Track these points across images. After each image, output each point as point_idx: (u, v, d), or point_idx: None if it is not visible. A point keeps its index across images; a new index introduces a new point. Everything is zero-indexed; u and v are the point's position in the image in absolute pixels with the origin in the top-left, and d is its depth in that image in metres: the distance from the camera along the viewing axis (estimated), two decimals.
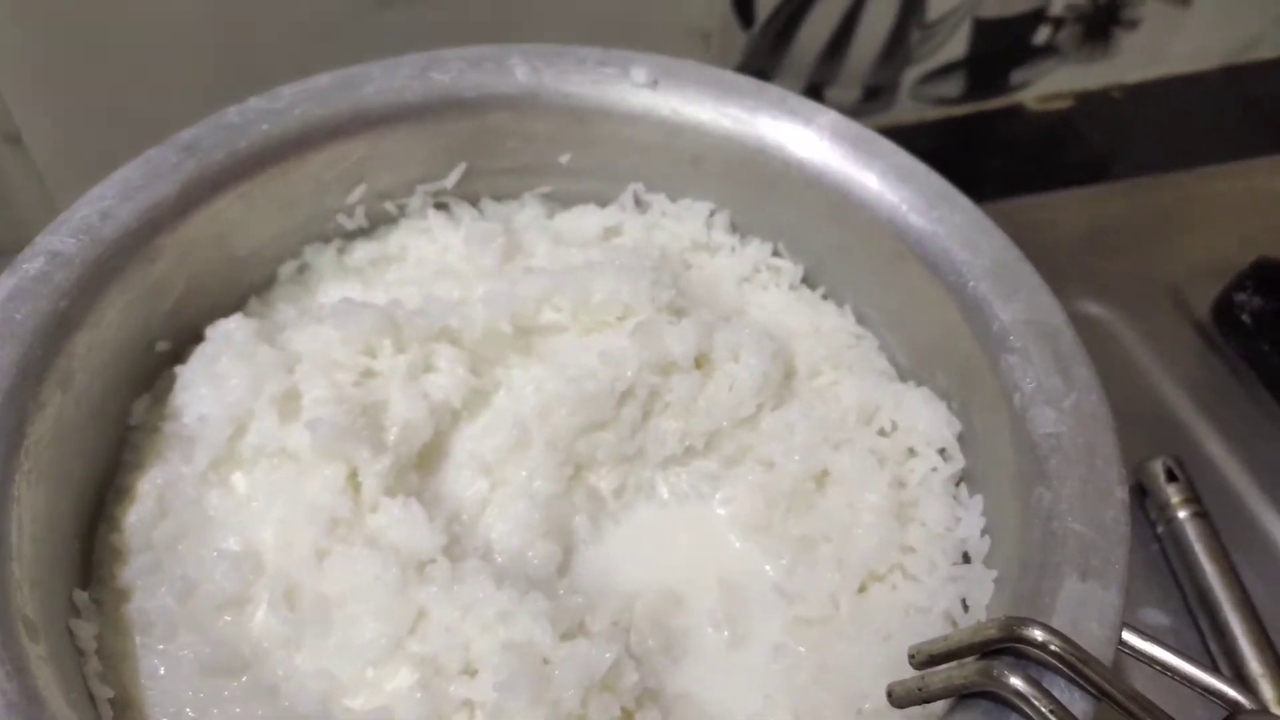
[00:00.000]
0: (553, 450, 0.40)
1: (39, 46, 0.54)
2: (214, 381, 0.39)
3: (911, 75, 0.75)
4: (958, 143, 0.78)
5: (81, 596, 0.35)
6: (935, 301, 0.42)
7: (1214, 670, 0.30)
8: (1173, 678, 0.31)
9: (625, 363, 0.41)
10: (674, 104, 0.47)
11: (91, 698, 0.32)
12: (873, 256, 0.45)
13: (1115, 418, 0.36)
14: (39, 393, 0.35)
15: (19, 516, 0.32)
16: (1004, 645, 0.30)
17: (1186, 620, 0.48)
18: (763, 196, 0.48)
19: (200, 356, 0.41)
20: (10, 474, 0.32)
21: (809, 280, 0.49)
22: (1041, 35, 0.76)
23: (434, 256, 0.48)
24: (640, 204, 0.50)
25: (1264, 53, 0.81)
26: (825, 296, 0.48)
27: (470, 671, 0.34)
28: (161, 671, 0.34)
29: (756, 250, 0.49)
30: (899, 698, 0.31)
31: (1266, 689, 0.44)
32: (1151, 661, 0.31)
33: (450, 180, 0.49)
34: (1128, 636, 0.31)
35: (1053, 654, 0.29)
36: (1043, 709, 0.28)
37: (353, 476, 0.38)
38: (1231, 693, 0.30)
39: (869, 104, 0.76)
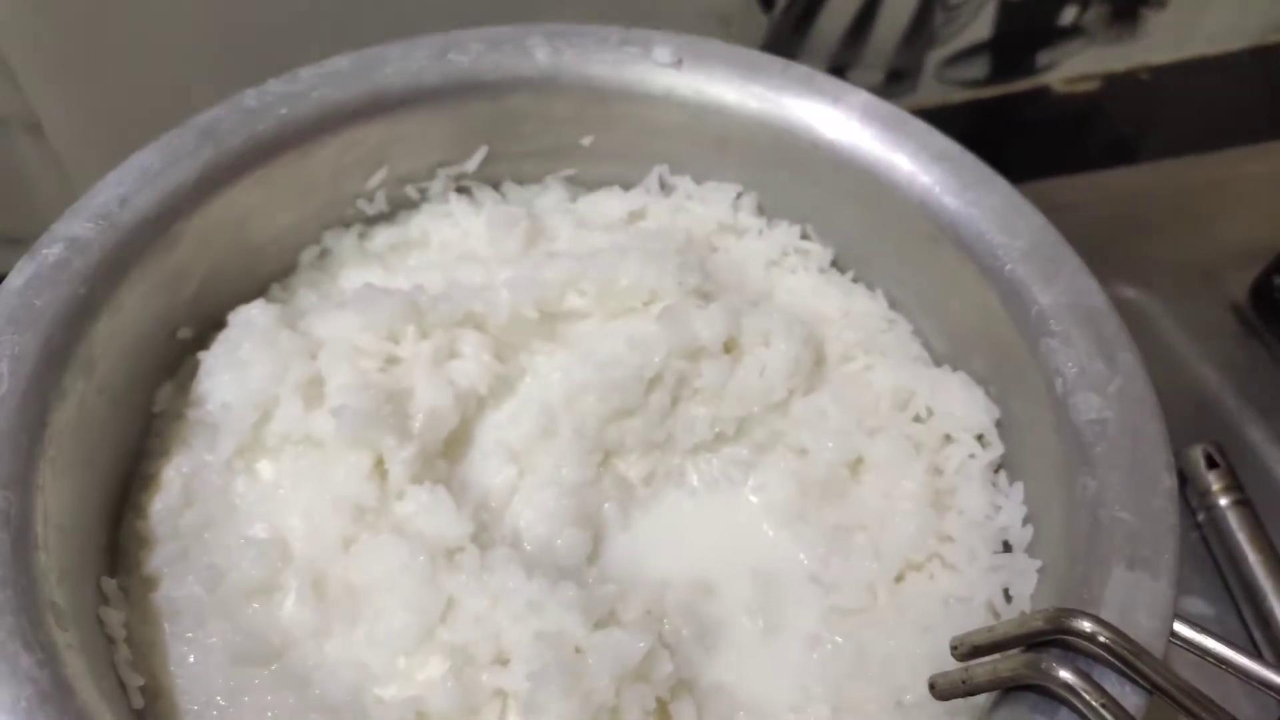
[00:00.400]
0: (580, 437, 0.39)
1: (57, 35, 0.53)
2: (237, 368, 0.39)
3: (935, 58, 0.74)
4: (983, 126, 0.77)
5: (110, 584, 0.34)
6: (971, 285, 0.41)
7: (1273, 664, 0.29)
8: (1227, 670, 0.30)
9: (653, 348, 0.40)
10: (698, 84, 0.46)
11: (122, 686, 0.32)
12: (905, 239, 0.44)
13: None
14: (61, 380, 0.34)
15: (44, 505, 0.32)
16: (1051, 637, 0.29)
17: (1229, 609, 0.47)
18: (791, 178, 0.47)
19: (223, 343, 0.40)
20: (35, 462, 0.32)
21: (839, 263, 0.48)
22: (1068, 16, 0.74)
23: (456, 241, 0.47)
24: (665, 187, 0.49)
25: None
26: (855, 280, 0.47)
27: (502, 661, 0.33)
28: (191, 659, 0.33)
29: (785, 233, 0.48)
30: (942, 690, 0.31)
31: None
32: (1204, 654, 0.30)
33: (471, 164, 0.48)
34: (1178, 627, 0.30)
35: (1103, 646, 0.28)
36: (1094, 703, 0.27)
37: (379, 464, 0.37)
38: None
39: (892, 87, 0.74)
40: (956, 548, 0.37)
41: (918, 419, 0.41)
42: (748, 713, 0.35)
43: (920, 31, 0.71)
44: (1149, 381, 0.36)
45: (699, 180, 0.49)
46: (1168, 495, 0.33)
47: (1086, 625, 0.28)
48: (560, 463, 0.39)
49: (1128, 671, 0.28)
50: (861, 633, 0.36)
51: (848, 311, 0.45)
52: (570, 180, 0.50)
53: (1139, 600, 0.30)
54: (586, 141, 0.48)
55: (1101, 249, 0.41)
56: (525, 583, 0.34)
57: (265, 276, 0.45)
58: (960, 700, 0.31)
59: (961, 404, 0.40)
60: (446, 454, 0.40)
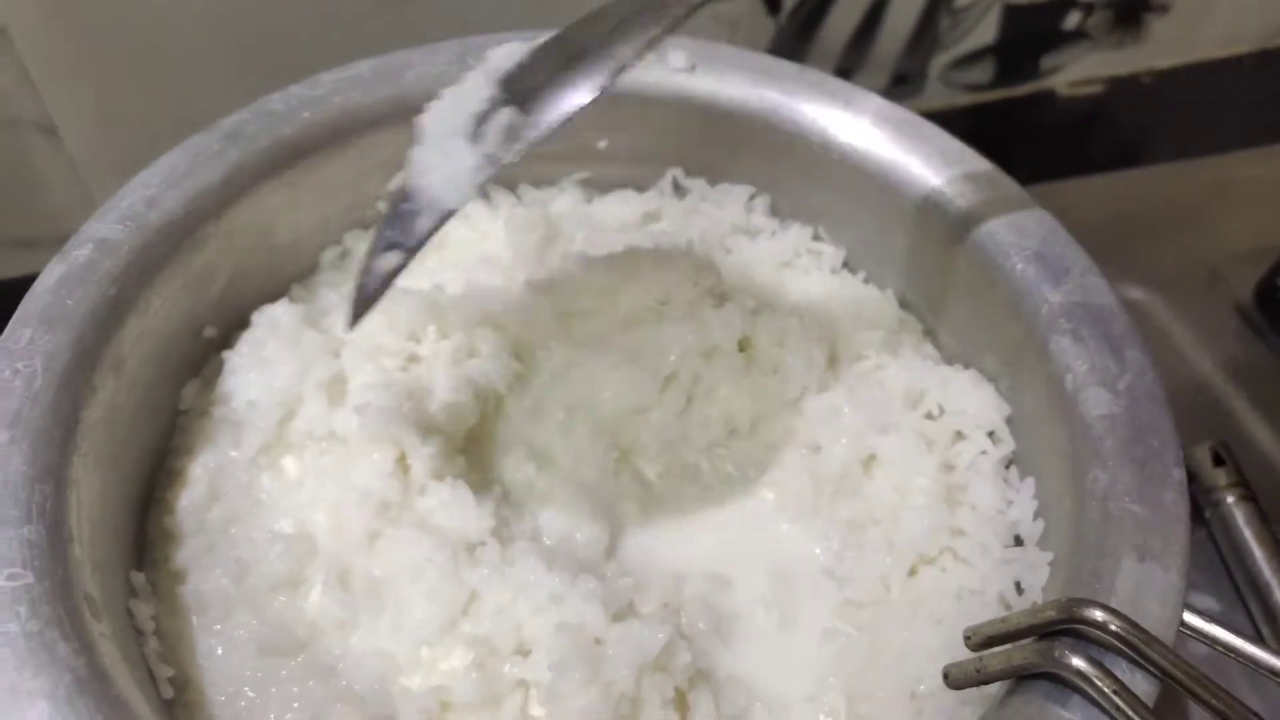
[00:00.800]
0: (597, 435, 0.40)
1: (73, 37, 0.54)
2: (262, 367, 0.40)
3: (940, 61, 0.74)
4: (988, 129, 0.77)
5: (138, 578, 0.35)
6: (982, 284, 0.41)
7: None
8: (1235, 659, 0.30)
9: (668, 348, 0.41)
10: (712, 88, 0.47)
11: (152, 676, 0.33)
12: (916, 240, 0.45)
13: None
14: (92, 378, 0.35)
15: (77, 499, 0.32)
16: (1063, 627, 0.30)
17: (1236, 604, 0.47)
18: (802, 180, 0.47)
19: (248, 342, 0.41)
20: (68, 457, 0.33)
21: (850, 264, 0.48)
22: (1072, 20, 0.75)
23: (474, 243, 0.48)
24: (679, 189, 0.50)
25: None
26: (867, 280, 0.48)
27: (524, 652, 0.34)
28: (219, 651, 0.34)
29: (797, 234, 0.48)
30: (956, 679, 0.31)
31: None
32: (1213, 643, 0.31)
33: None
34: (1188, 618, 0.31)
35: (1114, 634, 0.29)
36: (1106, 690, 0.28)
37: (401, 460, 0.38)
38: None
39: (897, 91, 0.75)
40: (968, 541, 0.38)
41: (929, 416, 0.42)
42: (764, 703, 0.35)
43: (925, 35, 0.72)
44: (1158, 378, 0.36)
45: (712, 183, 0.50)
46: (1177, 488, 0.33)
47: (1098, 614, 0.29)
48: (578, 460, 0.40)
49: (1139, 659, 0.29)
50: (875, 625, 0.36)
51: (860, 312, 0.46)
52: (585, 183, 0.50)
53: (1150, 591, 0.31)
54: (602, 144, 0.49)
55: (1107, 251, 0.42)
56: (546, 576, 0.35)
57: (288, 277, 0.46)
58: (973, 690, 0.32)
59: (973, 401, 0.41)
60: (467, 450, 0.40)
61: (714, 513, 0.41)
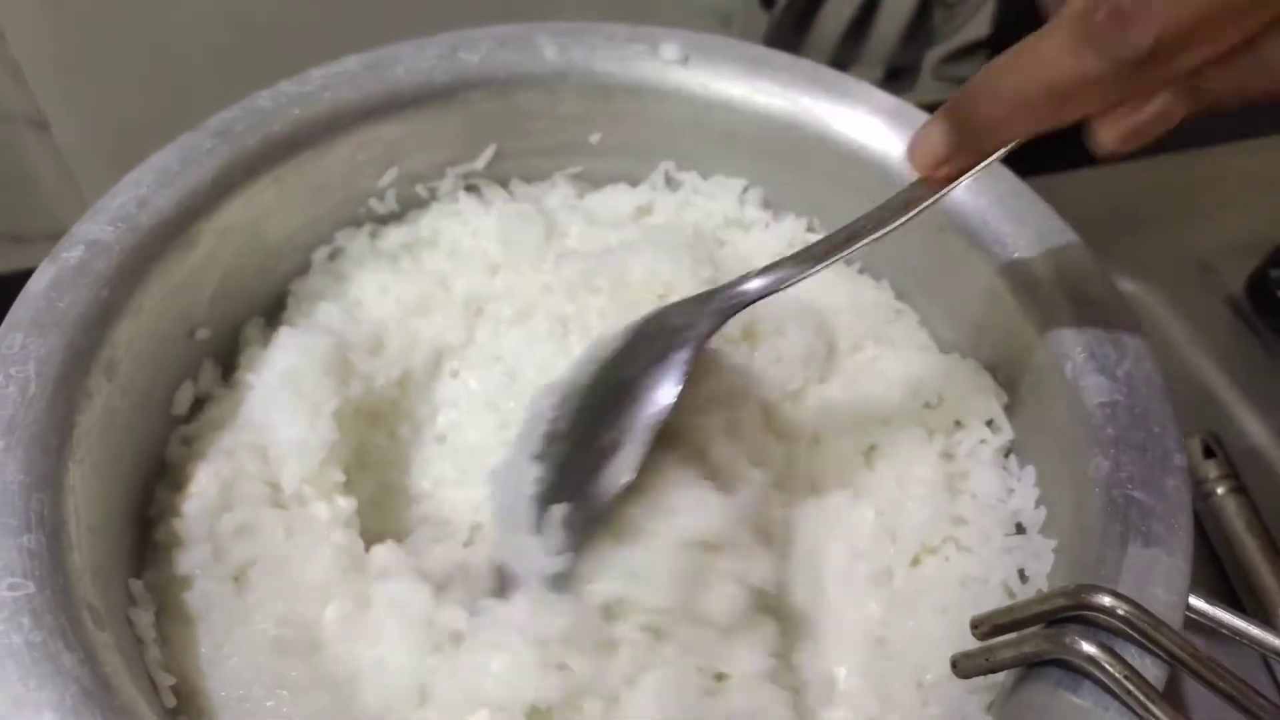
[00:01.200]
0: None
1: (65, 33, 0.53)
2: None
3: (934, 56, 0.74)
4: None
5: (137, 585, 0.34)
6: (978, 273, 0.41)
7: None
8: (1242, 642, 0.30)
9: None
10: (705, 80, 0.47)
11: (154, 685, 0.32)
12: (911, 230, 0.44)
13: None
14: (86, 382, 0.34)
15: (75, 505, 0.32)
16: (1071, 613, 0.30)
17: (1228, 596, 0.47)
18: (797, 172, 0.47)
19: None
20: (64, 463, 0.32)
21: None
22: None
23: (466, 239, 0.47)
24: (671, 182, 0.50)
25: None
26: (862, 271, 0.48)
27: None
28: (224, 657, 0.33)
29: (791, 226, 0.48)
30: (964, 669, 0.31)
31: None
32: (1219, 625, 0.31)
33: (480, 162, 0.48)
34: (1194, 601, 0.31)
35: (1122, 619, 0.29)
36: (1117, 675, 0.28)
37: None
38: None
39: (891, 84, 0.75)
40: (970, 530, 0.38)
41: (928, 406, 0.42)
42: None
43: (920, 29, 0.72)
44: (1157, 364, 0.36)
45: (705, 175, 0.49)
46: (1180, 473, 0.33)
47: (1106, 600, 0.29)
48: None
49: (1147, 644, 0.29)
50: (880, 615, 0.36)
51: (856, 303, 0.46)
52: (577, 177, 0.50)
53: (1155, 576, 0.31)
54: (594, 138, 0.49)
55: (1099, 243, 0.42)
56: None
57: (280, 276, 0.45)
58: (980, 678, 0.32)
59: (971, 390, 0.41)
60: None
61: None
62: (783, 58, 0.47)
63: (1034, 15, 0.79)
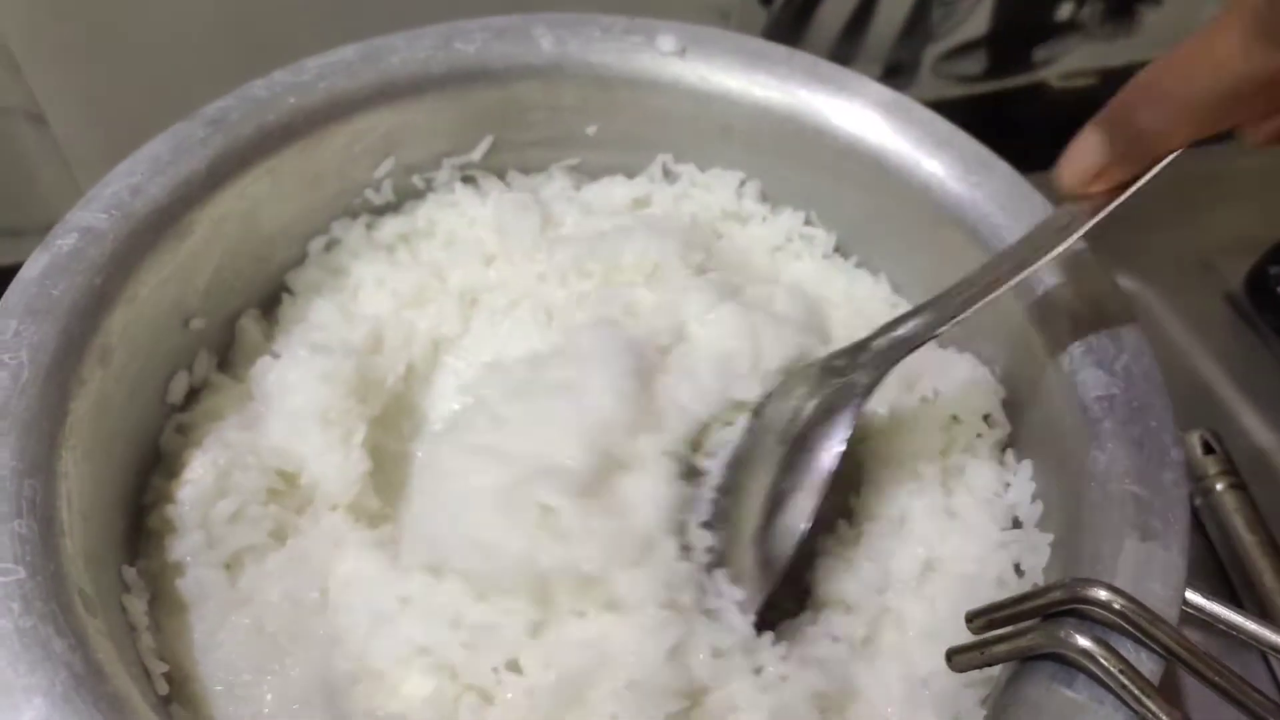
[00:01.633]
0: None
1: (60, 24, 0.53)
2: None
3: (933, 52, 0.74)
4: (980, 121, 0.76)
5: (130, 572, 0.34)
6: (975, 267, 0.41)
7: None
8: (1239, 636, 0.30)
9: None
10: (702, 72, 0.47)
11: (147, 672, 0.32)
12: (908, 223, 0.44)
13: None
14: (80, 369, 0.34)
15: (68, 492, 0.32)
16: (1066, 607, 0.29)
17: (1226, 592, 0.47)
18: (794, 165, 0.47)
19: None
20: (57, 449, 0.32)
21: (842, 249, 0.48)
22: (1064, 12, 0.75)
23: (463, 230, 0.47)
24: (669, 174, 0.50)
25: None
26: (859, 265, 0.48)
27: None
28: (216, 644, 0.33)
29: (788, 219, 0.48)
30: (959, 662, 0.31)
31: None
32: (1216, 620, 0.30)
33: (477, 153, 0.48)
34: (1191, 596, 0.31)
35: (1118, 614, 0.29)
36: (1112, 669, 0.28)
37: None
38: None
39: (889, 81, 0.74)
40: (967, 524, 0.37)
41: (925, 400, 0.41)
42: None
43: (918, 26, 0.72)
44: (1154, 359, 0.36)
45: (702, 168, 0.49)
46: (1177, 468, 0.33)
47: (1102, 594, 0.29)
48: None
49: (1143, 638, 0.28)
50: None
51: (852, 296, 0.46)
52: (574, 169, 0.50)
53: (1152, 570, 0.31)
54: (591, 130, 0.48)
55: (1098, 240, 0.41)
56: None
57: (276, 267, 0.45)
58: (975, 672, 0.32)
59: (968, 385, 0.41)
60: None
61: None
62: (780, 50, 0.47)
63: (1031, 14, 0.79)
